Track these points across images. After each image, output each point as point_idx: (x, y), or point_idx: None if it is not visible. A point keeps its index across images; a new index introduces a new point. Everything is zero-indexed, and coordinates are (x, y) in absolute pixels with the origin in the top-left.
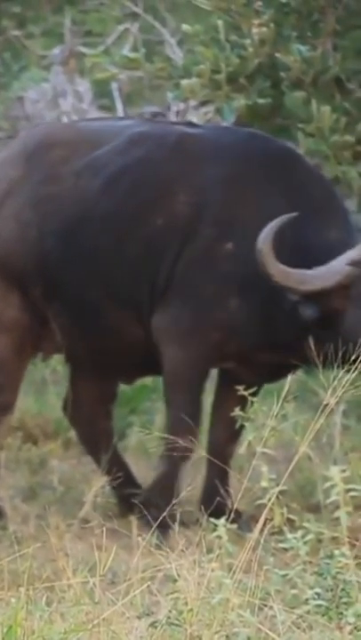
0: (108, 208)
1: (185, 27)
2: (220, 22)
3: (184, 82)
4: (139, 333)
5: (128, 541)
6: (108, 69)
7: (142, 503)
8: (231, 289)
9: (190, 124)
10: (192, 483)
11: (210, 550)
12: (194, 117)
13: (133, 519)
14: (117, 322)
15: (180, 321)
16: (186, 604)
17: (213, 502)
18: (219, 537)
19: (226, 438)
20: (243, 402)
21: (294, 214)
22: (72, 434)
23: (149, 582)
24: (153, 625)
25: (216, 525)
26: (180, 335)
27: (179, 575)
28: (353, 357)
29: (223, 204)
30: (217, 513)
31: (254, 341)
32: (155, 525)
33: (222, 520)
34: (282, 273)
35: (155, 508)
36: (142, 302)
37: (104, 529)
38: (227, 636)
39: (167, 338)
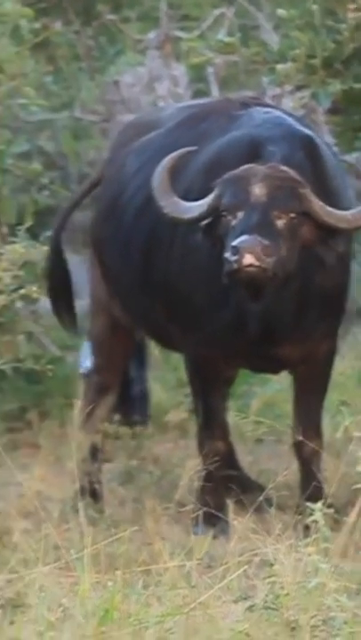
0: (133, 191)
1: (280, 11)
2: (315, 7)
3: (279, 66)
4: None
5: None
6: (203, 54)
7: (239, 487)
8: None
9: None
10: (288, 467)
11: (306, 535)
12: (289, 102)
13: (230, 503)
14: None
15: None
16: (282, 588)
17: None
18: (315, 521)
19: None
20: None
21: (190, 149)
22: (169, 417)
23: (246, 566)
24: (249, 609)
25: (313, 510)
26: None
27: (275, 559)
28: None
29: (200, 193)
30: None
31: None
32: (251, 509)
33: (319, 504)
34: (172, 204)
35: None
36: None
37: (201, 512)
38: (323, 621)
39: None
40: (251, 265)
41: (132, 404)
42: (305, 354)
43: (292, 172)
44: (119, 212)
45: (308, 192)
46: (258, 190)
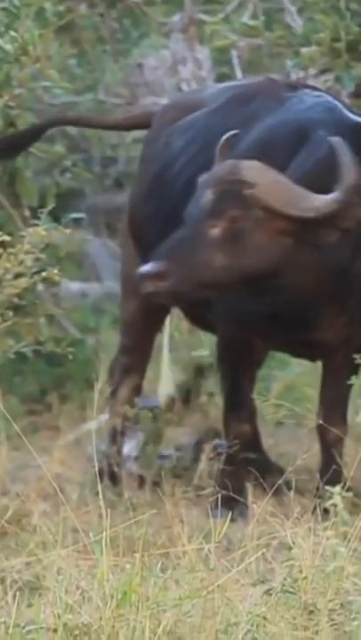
0: (179, 170)
1: None
2: None
3: (304, 50)
4: None
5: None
6: (227, 37)
7: (259, 470)
8: None
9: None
10: (308, 450)
11: (325, 518)
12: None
13: (249, 486)
14: None
15: None
16: (301, 571)
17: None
18: (334, 505)
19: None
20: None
21: (234, 132)
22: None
23: (264, 549)
24: (267, 592)
25: (332, 493)
26: None
27: (294, 543)
28: None
29: None
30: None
31: None
32: (270, 492)
33: (338, 488)
34: None
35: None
36: None
37: (219, 495)
38: (341, 605)
39: None
40: (151, 292)
41: None
42: (342, 341)
43: (242, 172)
44: (163, 190)
45: (256, 191)
46: (203, 199)
